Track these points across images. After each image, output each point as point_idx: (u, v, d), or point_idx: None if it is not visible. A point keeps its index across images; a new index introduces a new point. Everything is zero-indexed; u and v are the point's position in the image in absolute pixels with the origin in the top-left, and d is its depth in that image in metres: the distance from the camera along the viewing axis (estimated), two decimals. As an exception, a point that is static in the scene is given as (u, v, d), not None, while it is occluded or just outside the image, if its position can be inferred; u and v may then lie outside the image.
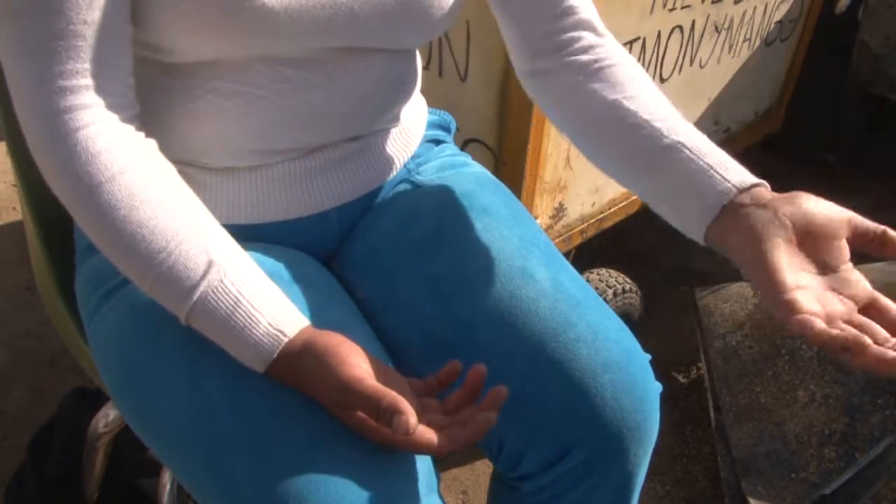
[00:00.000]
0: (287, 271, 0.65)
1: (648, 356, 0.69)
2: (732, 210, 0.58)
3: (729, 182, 0.59)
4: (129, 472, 1.07)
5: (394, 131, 0.74)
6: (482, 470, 1.31)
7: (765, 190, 0.59)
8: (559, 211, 1.28)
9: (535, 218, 1.22)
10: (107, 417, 0.97)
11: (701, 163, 0.60)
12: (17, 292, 1.64)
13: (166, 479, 0.96)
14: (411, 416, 0.49)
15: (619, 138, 0.65)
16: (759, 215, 0.56)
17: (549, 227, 1.28)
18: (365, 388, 0.50)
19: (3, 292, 1.64)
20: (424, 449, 0.51)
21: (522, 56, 0.71)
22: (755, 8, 1.49)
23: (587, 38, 0.68)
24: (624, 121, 0.64)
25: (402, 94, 0.72)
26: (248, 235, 0.67)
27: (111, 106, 0.55)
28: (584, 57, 0.67)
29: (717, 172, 0.60)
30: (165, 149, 0.60)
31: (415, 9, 0.64)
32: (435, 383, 0.56)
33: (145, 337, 0.60)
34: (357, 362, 0.52)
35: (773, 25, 1.60)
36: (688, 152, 0.61)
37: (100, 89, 0.54)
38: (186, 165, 0.65)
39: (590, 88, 0.66)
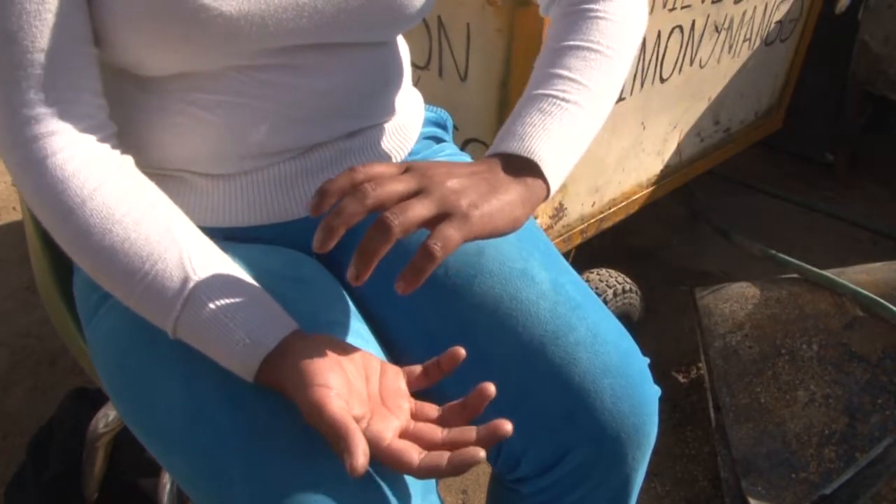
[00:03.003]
0: (286, 271, 0.65)
1: (647, 359, 0.69)
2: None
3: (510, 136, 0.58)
4: (129, 472, 1.07)
5: (388, 127, 0.74)
6: (482, 470, 1.31)
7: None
8: (559, 211, 1.28)
9: (535, 218, 1.22)
10: (107, 417, 0.97)
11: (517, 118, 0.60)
12: (17, 292, 1.64)
13: (166, 480, 0.96)
14: (357, 457, 0.46)
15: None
16: None
17: (549, 227, 1.28)
18: (324, 416, 0.48)
19: (3, 292, 1.65)
20: (403, 469, 0.49)
21: None
22: (755, 8, 1.49)
23: None
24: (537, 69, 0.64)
25: (388, 87, 0.72)
26: (247, 237, 0.67)
27: (79, 129, 0.55)
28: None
29: (509, 130, 0.59)
30: (152, 162, 0.59)
31: (380, 3, 0.63)
32: (435, 370, 0.56)
33: (142, 338, 0.60)
34: (325, 382, 0.50)
35: (773, 25, 1.60)
36: (527, 97, 0.61)
37: (65, 114, 0.54)
38: (180, 171, 0.65)
39: (552, 29, 0.67)
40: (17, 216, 1.93)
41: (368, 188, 0.48)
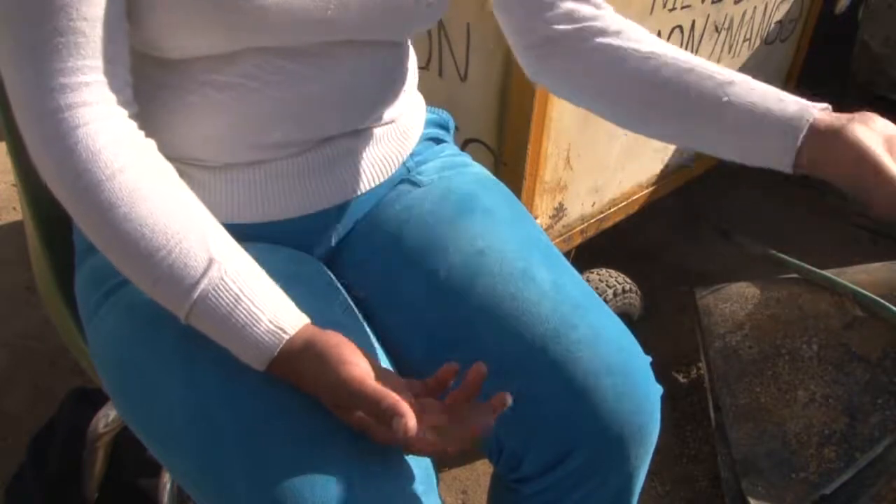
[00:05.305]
0: (287, 270, 0.65)
1: (649, 358, 0.69)
2: (818, 131, 0.58)
3: (800, 104, 0.59)
4: (129, 472, 1.07)
5: (391, 128, 0.74)
6: (482, 470, 1.31)
7: (831, 110, 0.60)
8: (559, 211, 1.28)
9: (535, 218, 1.22)
10: (107, 417, 0.97)
11: (762, 94, 0.61)
12: (17, 292, 1.64)
13: (166, 479, 0.96)
14: (410, 418, 0.49)
15: (669, 91, 0.64)
16: (852, 130, 0.57)
17: (549, 227, 1.28)
18: (365, 388, 0.50)
19: (3, 292, 1.64)
20: (425, 449, 0.51)
21: (525, 31, 0.72)
22: (755, 8, 1.49)
23: (587, 8, 0.69)
24: (664, 71, 0.64)
25: (396, 87, 0.72)
26: (248, 235, 0.67)
27: (111, 103, 0.54)
28: (593, 23, 0.68)
29: (783, 98, 0.60)
30: (164, 148, 0.60)
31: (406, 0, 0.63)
32: (434, 385, 0.56)
33: (143, 337, 0.60)
34: (357, 362, 0.52)
35: (773, 25, 1.60)
36: (742, 85, 0.61)
37: (100, 86, 0.53)
38: (186, 165, 0.65)
39: (613, 47, 0.67)
40: (17, 216, 1.93)
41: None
